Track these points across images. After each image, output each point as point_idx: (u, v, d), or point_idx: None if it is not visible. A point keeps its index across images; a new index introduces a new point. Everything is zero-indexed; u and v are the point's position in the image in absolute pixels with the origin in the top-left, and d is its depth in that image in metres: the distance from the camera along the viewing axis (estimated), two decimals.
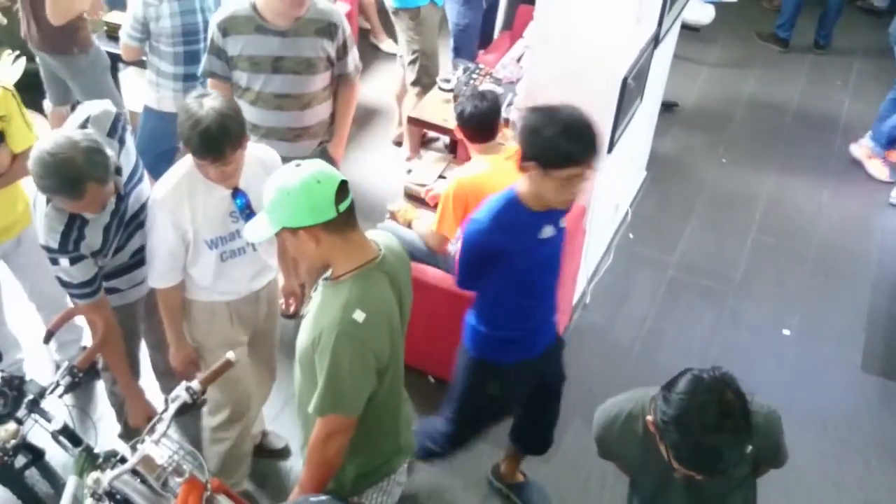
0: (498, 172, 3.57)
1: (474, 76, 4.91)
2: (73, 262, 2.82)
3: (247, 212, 2.89)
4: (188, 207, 2.84)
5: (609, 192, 4.46)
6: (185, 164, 2.87)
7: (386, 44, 6.57)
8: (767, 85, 6.70)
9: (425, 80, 5.09)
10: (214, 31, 3.54)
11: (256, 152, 2.98)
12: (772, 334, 4.61)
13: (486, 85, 4.79)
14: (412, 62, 5.14)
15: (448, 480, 3.76)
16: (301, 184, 2.18)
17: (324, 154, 3.74)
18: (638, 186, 5.45)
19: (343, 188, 2.22)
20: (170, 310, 3.06)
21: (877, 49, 7.25)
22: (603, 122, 3.87)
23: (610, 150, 4.02)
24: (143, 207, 3.04)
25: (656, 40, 4.23)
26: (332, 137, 3.85)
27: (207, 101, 2.70)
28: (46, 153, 2.58)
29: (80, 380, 2.75)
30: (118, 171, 2.89)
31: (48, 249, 2.82)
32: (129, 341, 3.31)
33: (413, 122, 4.86)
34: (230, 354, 2.74)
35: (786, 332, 4.60)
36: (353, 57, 3.74)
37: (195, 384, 2.64)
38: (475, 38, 5.73)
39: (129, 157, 3.02)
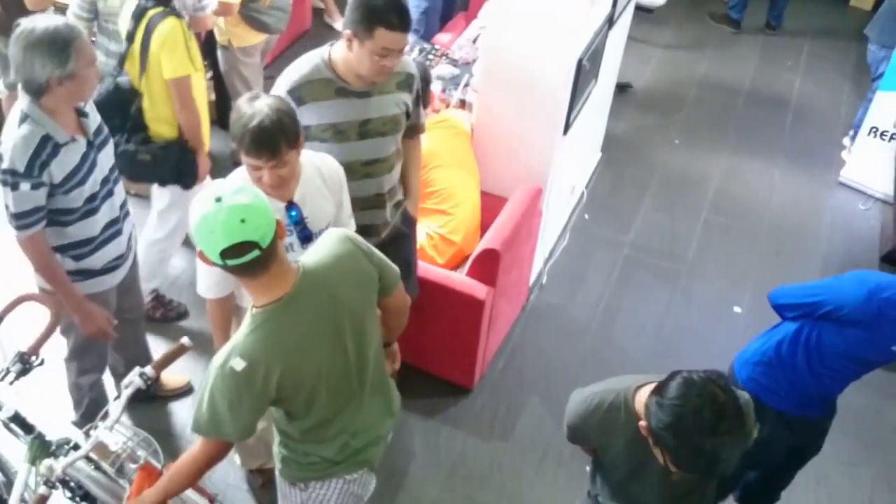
0: (433, 143, 3.77)
1: (430, 57, 4.91)
2: (33, 187, 2.81)
3: (301, 226, 2.75)
4: None
5: (565, 173, 4.49)
6: (238, 175, 2.69)
7: (340, 23, 6.51)
8: (720, 66, 6.78)
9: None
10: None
11: (315, 162, 2.84)
12: (724, 312, 4.69)
13: (441, 66, 4.80)
14: None
15: None
16: (200, 221, 2.07)
17: (405, 216, 3.45)
18: (593, 168, 5.49)
19: (241, 248, 2.05)
20: (218, 322, 2.91)
21: (827, 30, 7.38)
22: (558, 104, 3.92)
23: (566, 131, 4.04)
24: (112, 171, 3.08)
25: (610, 22, 4.26)
26: (408, 195, 3.45)
27: (260, 100, 2.56)
28: (35, 28, 2.70)
29: (31, 366, 2.71)
30: (84, 113, 2.95)
31: (13, 173, 2.78)
32: (99, 336, 3.25)
33: None
34: (185, 340, 2.72)
35: (737, 309, 4.68)
36: (422, 104, 3.38)
37: (148, 370, 2.62)
38: (435, 21, 5.72)
39: (94, 113, 3.03)
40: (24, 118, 2.81)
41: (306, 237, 2.77)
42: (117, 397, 2.61)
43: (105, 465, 2.62)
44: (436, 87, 4.59)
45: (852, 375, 3.02)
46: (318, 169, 2.82)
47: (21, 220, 2.86)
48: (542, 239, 4.42)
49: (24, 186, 2.80)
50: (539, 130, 4.00)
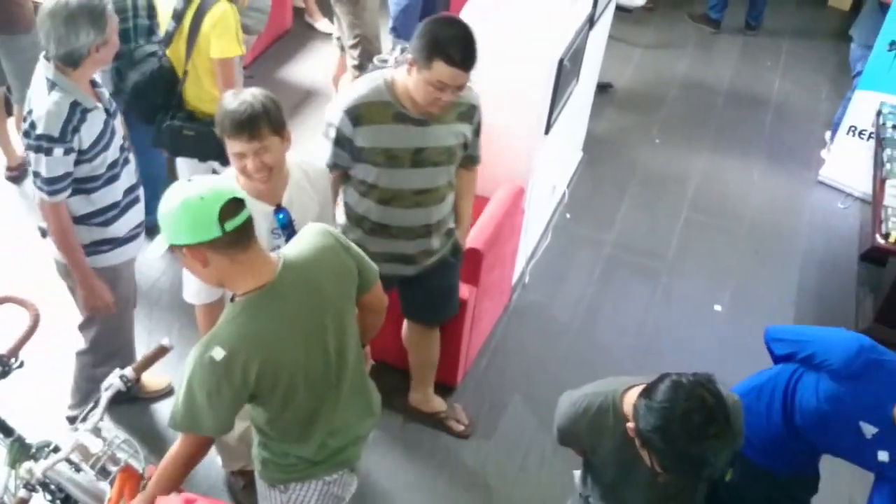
0: None
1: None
2: (66, 152, 2.92)
3: (289, 230, 2.73)
4: None
5: (546, 172, 4.50)
6: (226, 180, 2.69)
7: (321, 23, 6.50)
8: (699, 66, 6.82)
9: (367, 65, 5.06)
10: (341, 118, 2.96)
11: (301, 165, 2.84)
12: (704, 310, 4.72)
13: None
14: (354, 46, 5.11)
15: None
16: (183, 200, 2.07)
17: (455, 245, 3.41)
18: (575, 167, 5.51)
19: (233, 206, 2.09)
20: (207, 328, 2.80)
21: (806, 30, 7.45)
22: (539, 104, 3.93)
23: (547, 130, 4.05)
24: (124, 138, 3.19)
25: (591, 21, 4.27)
26: (460, 224, 3.41)
27: (245, 91, 2.59)
28: (68, 1, 2.82)
29: (11, 369, 2.69)
30: (96, 83, 3.09)
31: (48, 139, 2.89)
32: (126, 310, 3.37)
33: None
34: (165, 341, 2.71)
35: (717, 307, 4.71)
36: (480, 136, 3.31)
37: (128, 371, 2.60)
38: (414, 19, 5.70)
39: (105, 84, 3.20)
40: (52, 86, 2.92)
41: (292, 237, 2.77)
42: (98, 399, 2.59)
43: (85, 468, 2.60)
44: None
45: (814, 447, 2.83)
46: (305, 172, 2.81)
47: (52, 185, 2.96)
48: (524, 238, 4.43)
49: (58, 152, 2.91)
50: (520, 130, 4.01)
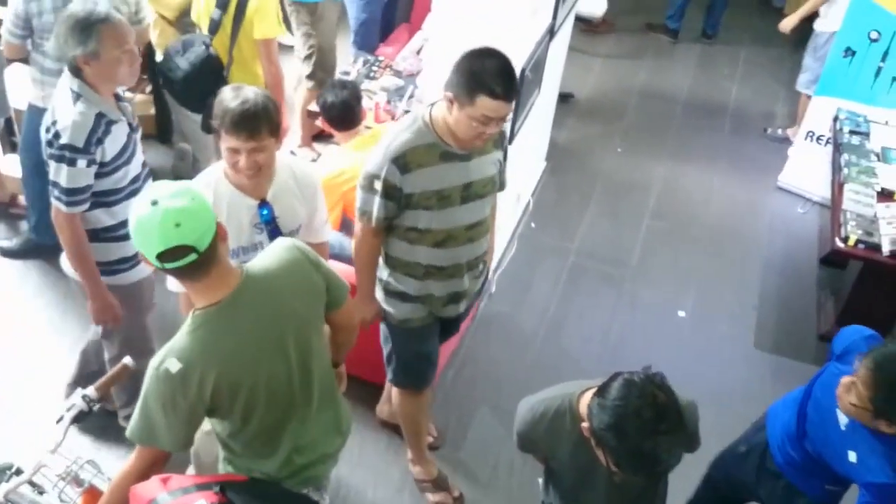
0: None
1: (374, 69, 4.91)
2: (89, 164, 2.95)
3: (272, 225, 2.76)
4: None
5: (511, 182, 4.51)
6: (213, 172, 2.76)
7: (283, 37, 6.47)
8: (659, 75, 6.91)
9: (320, 75, 5.06)
10: (388, 169, 2.82)
11: (290, 164, 2.85)
12: (668, 316, 4.76)
13: (386, 77, 4.80)
14: (307, 57, 5.10)
15: None
16: (137, 222, 2.05)
17: (485, 271, 3.36)
18: (538, 176, 5.54)
19: (177, 252, 2.03)
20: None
21: (762, 38, 7.57)
22: None
23: (510, 140, 4.07)
24: (145, 162, 3.27)
25: (551, 32, 4.31)
26: (487, 250, 3.35)
27: (246, 88, 2.63)
28: (71, 11, 2.93)
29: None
30: (121, 98, 3.15)
31: (72, 149, 2.91)
32: (145, 316, 3.42)
33: (312, 115, 4.83)
34: (127, 359, 2.67)
35: (681, 313, 4.76)
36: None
37: (91, 391, 2.57)
38: (376, 32, 5.72)
39: (127, 103, 3.21)
40: (77, 97, 2.96)
41: (276, 234, 2.76)
42: (59, 419, 2.55)
43: (49, 490, 2.56)
44: (381, 98, 4.60)
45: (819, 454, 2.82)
46: (293, 171, 2.83)
47: (71, 196, 2.97)
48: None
49: (81, 163, 2.93)
50: None
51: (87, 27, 2.88)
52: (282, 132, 2.70)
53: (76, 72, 2.96)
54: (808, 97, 5.75)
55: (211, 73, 3.98)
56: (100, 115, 2.96)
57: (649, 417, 2.11)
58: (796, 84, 6.03)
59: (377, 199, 2.87)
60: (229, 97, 2.60)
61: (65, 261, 3.20)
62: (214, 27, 3.98)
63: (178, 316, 3.16)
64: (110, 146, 3.00)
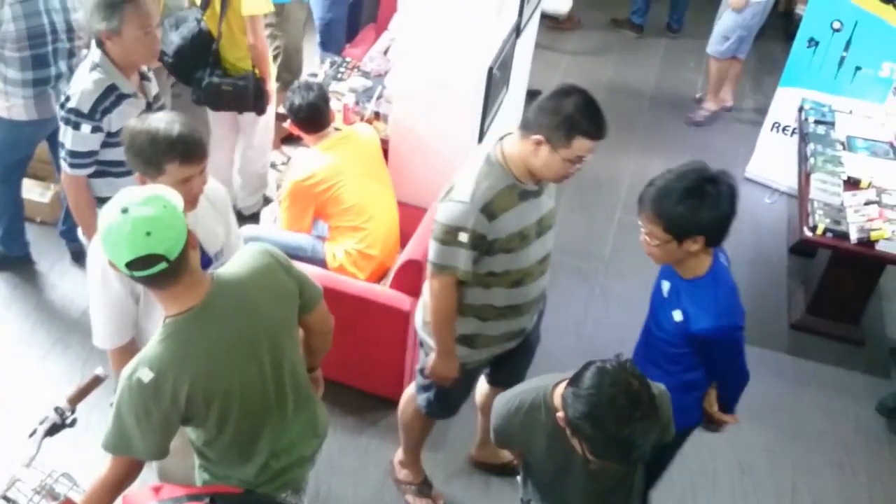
0: (338, 160, 3.82)
1: (341, 70, 4.89)
2: (94, 130, 3.11)
3: (201, 254, 2.65)
4: None
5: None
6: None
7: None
8: (625, 69, 6.95)
9: (286, 76, 5.03)
10: (476, 219, 2.72)
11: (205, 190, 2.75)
12: (641, 308, 4.72)
13: (354, 78, 4.79)
14: (273, 58, 5.06)
15: None
16: (106, 230, 2.04)
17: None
18: None
19: (147, 261, 2.01)
20: None
21: None
22: (472, 112, 3.95)
23: (480, 139, 4.08)
24: None
25: (518, 30, 4.32)
26: None
27: (152, 115, 2.52)
28: None
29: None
30: (146, 77, 3.31)
31: (77, 113, 3.08)
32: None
33: (280, 117, 4.80)
34: (99, 370, 2.65)
35: None
36: None
37: (63, 403, 2.54)
38: (341, 32, 5.71)
39: (155, 82, 3.37)
40: (95, 67, 3.12)
41: (206, 262, 2.67)
42: (33, 433, 2.52)
43: None
44: (349, 99, 4.59)
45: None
46: (206, 195, 2.69)
47: (74, 158, 3.15)
48: None
49: (85, 128, 3.10)
50: (454, 139, 4.02)
51: (113, 4, 3.03)
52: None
53: (99, 43, 3.12)
54: (721, 62, 6.21)
55: (201, 47, 4.24)
56: (112, 87, 3.12)
57: (623, 404, 2.13)
58: (721, 53, 6.22)
59: (463, 252, 2.77)
60: (152, 128, 2.45)
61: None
62: (205, 3, 4.22)
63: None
64: (118, 118, 3.11)
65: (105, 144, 3.18)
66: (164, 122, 2.47)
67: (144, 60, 3.22)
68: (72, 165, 3.17)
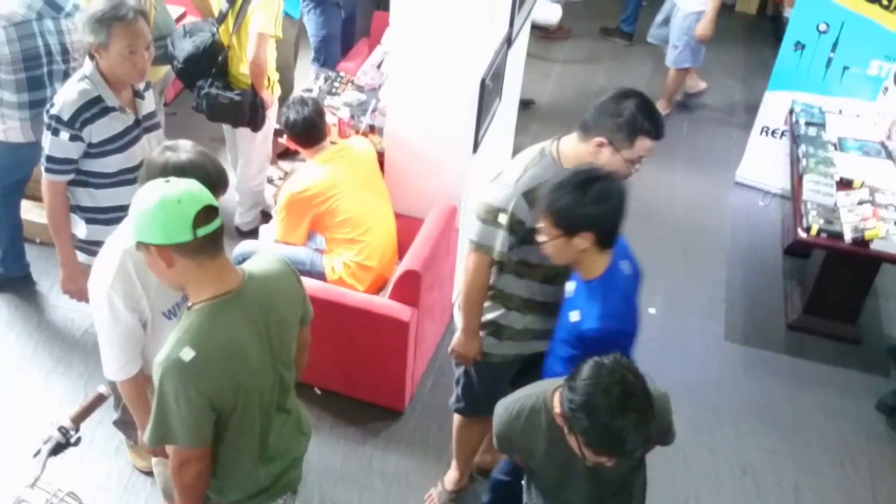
0: (335, 173, 3.87)
1: (336, 84, 4.92)
2: (72, 138, 3.12)
3: None
4: (140, 285, 2.58)
5: (478, 190, 4.54)
6: (120, 245, 2.58)
7: None
8: (616, 77, 6.98)
9: (278, 93, 5.05)
10: (516, 202, 2.79)
11: None
12: (639, 314, 4.80)
13: (348, 92, 4.82)
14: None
15: None
16: (161, 199, 2.10)
17: None
18: None
19: (208, 213, 2.13)
20: (135, 400, 2.74)
21: (716, 36, 7.63)
22: (466, 123, 3.98)
23: (475, 149, 4.10)
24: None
25: (509, 41, 4.35)
26: None
27: (182, 144, 2.60)
28: (97, 3, 3.06)
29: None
30: (140, 94, 3.29)
31: (57, 119, 3.10)
32: None
33: (276, 133, 4.83)
34: (102, 388, 2.66)
35: (651, 310, 4.81)
36: None
37: (66, 422, 2.55)
38: (336, 48, 5.74)
39: (150, 100, 3.35)
40: (83, 78, 3.15)
41: None
42: (37, 453, 2.53)
43: None
44: (344, 113, 4.62)
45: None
46: None
47: (50, 163, 3.18)
48: (460, 256, 4.46)
49: (64, 135, 3.12)
50: (449, 150, 4.05)
51: (103, 20, 3.04)
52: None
53: (91, 55, 3.14)
54: (677, 71, 6.33)
55: (211, 57, 4.36)
56: (97, 99, 3.13)
57: (618, 394, 2.18)
58: (674, 63, 6.32)
59: (501, 233, 2.82)
60: (155, 163, 2.52)
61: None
62: (221, 18, 4.36)
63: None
64: (99, 130, 3.14)
65: (88, 155, 3.19)
66: (191, 149, 2.59)
67: (129, 78, 3.19)
68: (48, 170, 3.20)
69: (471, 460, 3.69)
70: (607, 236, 2.60)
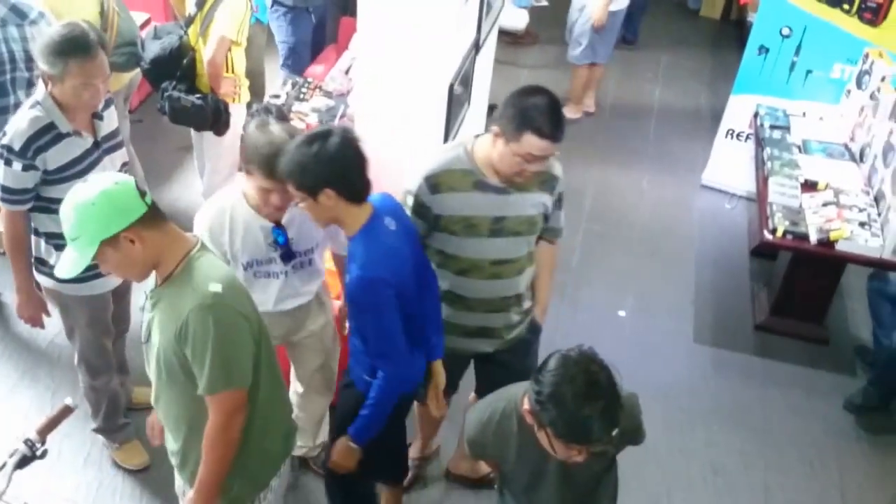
0: None
1: (304, 90, 4.90)
2: (25, 168, 3.00)
3: (285, 247, 2.97)
4: (228, 234, 2.90)
5: None
6: (229, 197, 2.93)
7: None
8: None
9: (247, 98, 5.02)
10: (419, 186, 2.89)
11: None
12: (609, 317, 4.84)
13: (316, 98, 4.80)
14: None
15: None
16: (101, 191, 2.17)
17: (533, 324, 3.27)
18: None
19: (141, 192, 2.24)
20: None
21: (681, 41, 7.79)
22: (435, 128, 3.97)
23: None
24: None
25: (477, 46, 4.36)
26: (538, 301, 3.26)
27: (272, 125, 2.78)
28: (56, 29, 2.98)
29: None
30: (99, 116, 3.17)
31: (8, 149, 2.98)
32: (102, 335, 3.47)
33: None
34: (68, 400, 2.63)
35: (621, 313, 4.85)
36: (563, 210, 3.20)
37: (32, 435, 2.51)
38: (306, 55, 5.72)
39: (110, 120, 3.23)
40: (35, 104, 3.03)
41: (289, 256, 2.99)
42: (2, 466, 2.48)
43: None
44: (312, 119, 4.60)
45: None
46: None
47: (5, 193, 3.07)
48: None
49: (17, 165, 2.99)
50: (419, 155, 4.03)
51: (60, 53, 2.92)
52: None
53: (45, 80, 3.02)
54: (580, 69, 6.43)
55: (178, 60, 4.34)
56: (50, 126, 3.01)
57: (583, 382, 2.21)
58: (577, 59, 6.39)
59: (410, 215, 2.92)
60: (259, 138, 2.74)
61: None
62: (189, 21, 4.34)
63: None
64: (54, 157, 3.03)
65: (46, 182, 3.07)
66: (282, 131, 2.77)
67: (82, 109, 3.09)
68: (3, 200, 3.09)
69: (434, 433, 3.77)
70: (350, 190, 2.58)
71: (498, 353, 3.22)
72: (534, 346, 3.33)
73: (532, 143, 2.69)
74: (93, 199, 2.15)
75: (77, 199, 2.18)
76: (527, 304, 3.19)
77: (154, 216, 2.23)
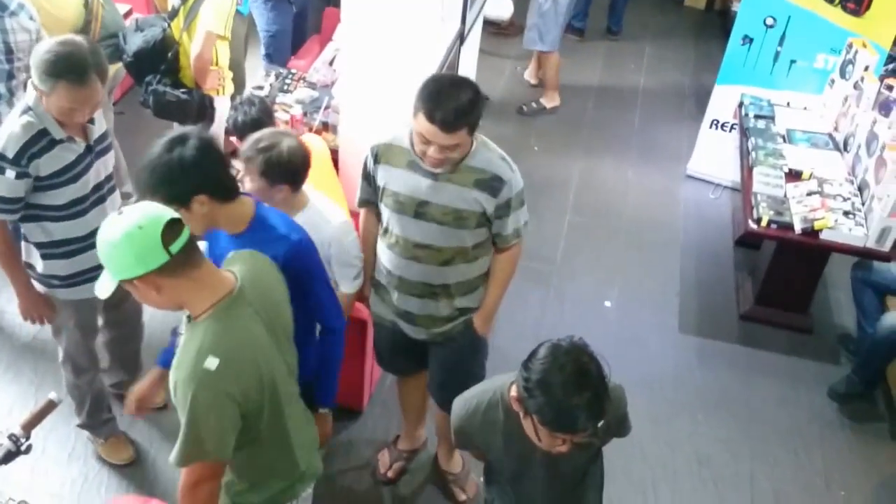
0: None
1: (287, 82, 4.88)
2: (18, 176, 2.92)
3: None
4: None
5: None
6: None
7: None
8: (568, 73, 7.01)
9: (231, 90, 4.99)
10: (368, 153, 3.05)
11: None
12: (595, 307, 4.85)
13: (300, 90, 4.78)
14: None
15: None
16: (123, 234, 2.05)
17: (466, 326, 3.23)
18: None
19: (174, 227, 2.09)
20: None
21: (665, 31, 7.79)
22: None
23: None
24: (108, 180, 3.24)
25: (462, 37, 4.35)
26: (481, 307, 3.23)
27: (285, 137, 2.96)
28: (55, 44, 2.86)
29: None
30: (90, 120, 3.08)
31: (1, 157, 2.90)
32: (88, 337, 3.45)
33: (228, 132, 4.76)
34: (52, 395, 2.61)
35: (607, 303, 4.86)
36: (516, 219, 3.14)
37: (17, 430, 2.49)
38: (287, 44, 5.69)
39: (100, 122, 3.17)
40: (27, 110, 2.94)
41: None
42: None
43: None
44: (296, 111, 4.58)
45: None
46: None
47: None
48: None
49: (10, 173, 2.91)
50: None
51: (52, 73, 2.83)
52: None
53: (35, 88, 2.94)
54: (542, 52, 6.40)
55: (161, 53, 4.33)
56: (43, 132, 2.94)
57: (572, 371, 2.21)
58: (525, 43, 6.42)
59: (362, 182, 3.13)
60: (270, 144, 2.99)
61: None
62: (173, 14, 4.34)
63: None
64: (48, 163, 2.96)
65: (38, 188, 3.00)
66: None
67: (73, 123, 3.00)
68: (3, 212, 3.00)
69: (417, 421, 3.78)
70: (218, 189, 2.49)
71: (431, 345, 3.28)
72: (465, 352, 3.28)
73: (422, 124, 2.73)
74: (116, 240, 2.06)
75: (105, 234, 2.10)
76: (463, 304, 3.16)
77: (179, 264, 2.10)
